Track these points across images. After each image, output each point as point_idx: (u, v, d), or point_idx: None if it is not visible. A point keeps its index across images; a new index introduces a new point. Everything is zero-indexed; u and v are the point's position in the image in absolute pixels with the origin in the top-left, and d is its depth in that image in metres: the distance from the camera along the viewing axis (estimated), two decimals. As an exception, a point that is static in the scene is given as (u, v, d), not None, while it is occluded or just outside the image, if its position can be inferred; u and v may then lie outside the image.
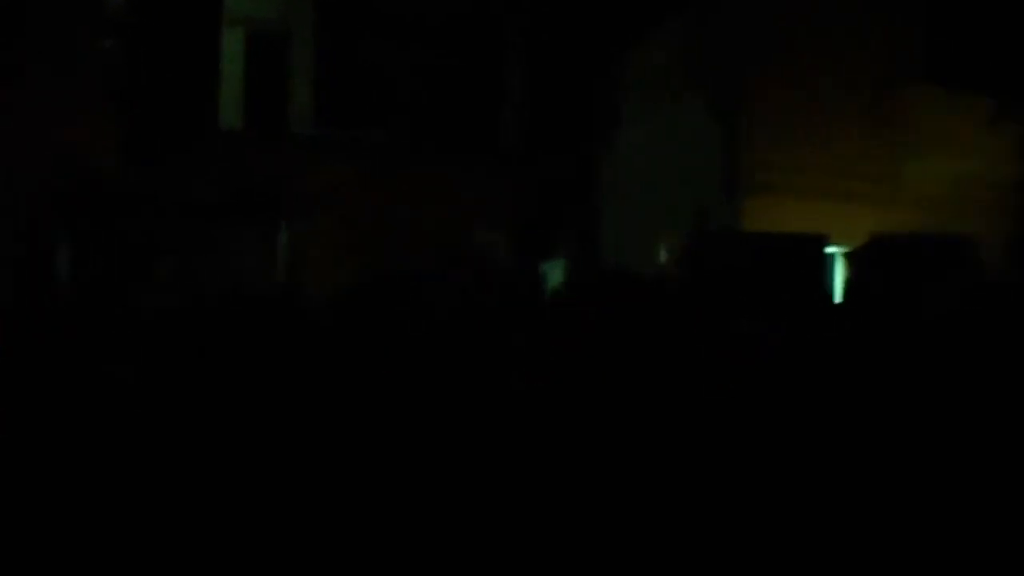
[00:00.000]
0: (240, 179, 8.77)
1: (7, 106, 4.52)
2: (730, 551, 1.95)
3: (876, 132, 7.88)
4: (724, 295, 2.94)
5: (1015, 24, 8.12)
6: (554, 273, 7.25)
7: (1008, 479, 1.81)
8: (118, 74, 7.47)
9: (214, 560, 2.18)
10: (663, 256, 7.13)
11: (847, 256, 3.88)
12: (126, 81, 7.79)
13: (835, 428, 2.25)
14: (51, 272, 4.74)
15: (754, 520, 2.03)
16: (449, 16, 10.62)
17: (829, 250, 8.70)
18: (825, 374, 2.54)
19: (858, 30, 8.02)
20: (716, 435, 2.18)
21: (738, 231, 7.07)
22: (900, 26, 8.14)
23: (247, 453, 2.60)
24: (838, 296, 4.05)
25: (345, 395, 2.72)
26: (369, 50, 10.56)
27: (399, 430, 2.40)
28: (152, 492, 2.32)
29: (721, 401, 2.37)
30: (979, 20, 8.14)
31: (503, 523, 2.12)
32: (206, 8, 9.99)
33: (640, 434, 2.14)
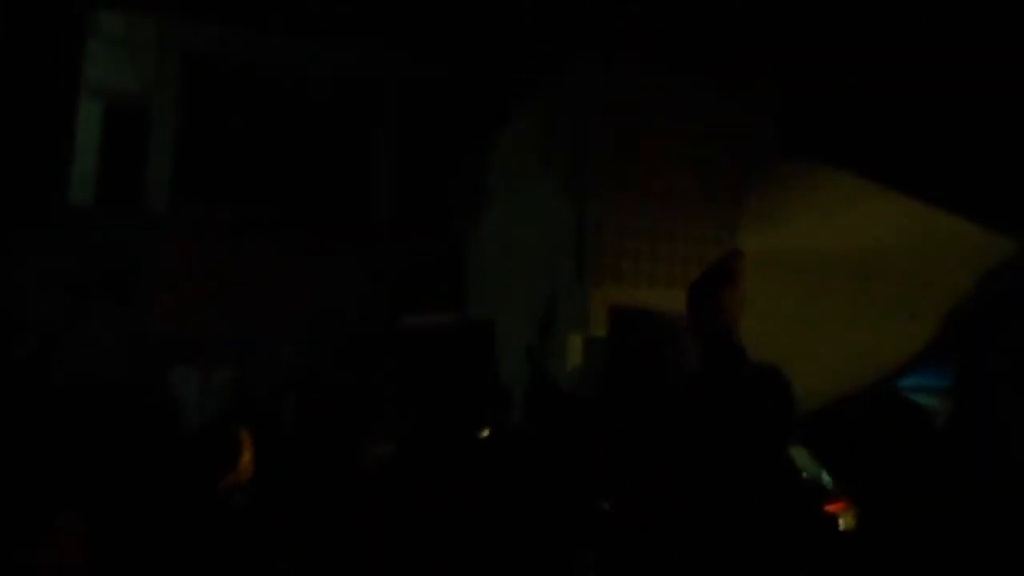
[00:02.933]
0: (94, 256, 8.34)
1: None
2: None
3: (734, 215, 8.09)
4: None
5: (872, 95, 8.60)
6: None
7: None
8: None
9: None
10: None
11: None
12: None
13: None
14: None
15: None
16: (318, 92, 10.52)
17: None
18: None
19: (712, 114, 8.26)
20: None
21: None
22: (755, 107, 8.46)
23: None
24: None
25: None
26: (235, 124, 10.33)
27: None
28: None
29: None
30: (835, 94, 8.57)
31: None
32: (60, 76, 9.59)
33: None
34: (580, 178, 8.26)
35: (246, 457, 2.77)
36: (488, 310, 9.54)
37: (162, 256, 8.60)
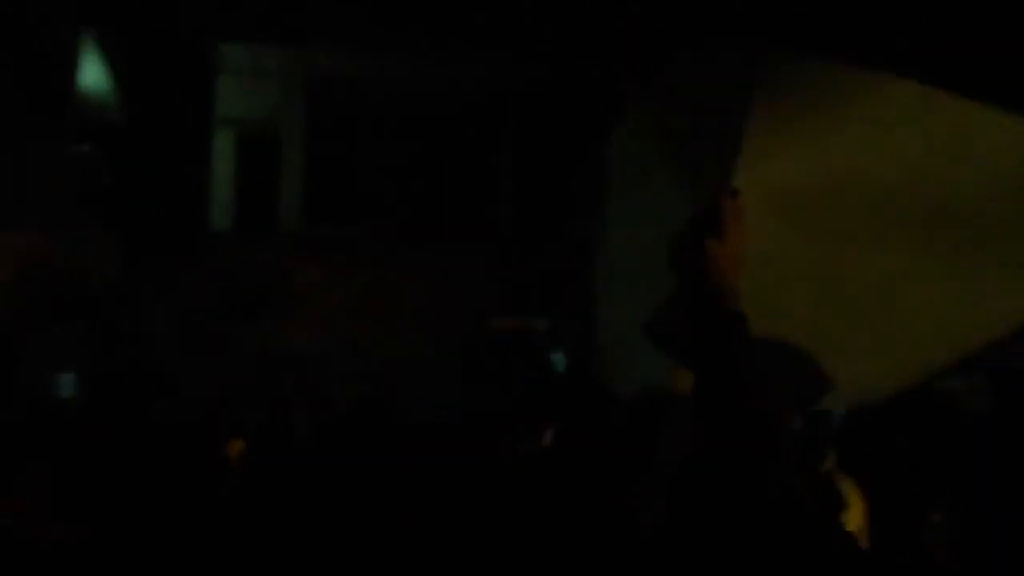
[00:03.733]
0: (233, 279, 8.69)
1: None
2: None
3: None
4: None
5: None
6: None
7: None
8: (100, 177, 7.47)
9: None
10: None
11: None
12: (111, 185, 7.78)
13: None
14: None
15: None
16: (438, 112, 10.69)
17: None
18: None
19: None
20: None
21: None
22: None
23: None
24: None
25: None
26: (359, 146, 10.61)
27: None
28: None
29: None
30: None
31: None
32: (196, 110, 10.06)
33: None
34: (698, 172, 8.03)
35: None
36: (616, 311, 9.42)
37: (296, 275, 8.89)
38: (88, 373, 5.16)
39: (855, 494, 2.16)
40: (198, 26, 9.59)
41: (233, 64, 10.54)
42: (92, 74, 6.90)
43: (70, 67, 6.23)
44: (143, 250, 8.12)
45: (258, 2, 9.73)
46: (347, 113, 10.61)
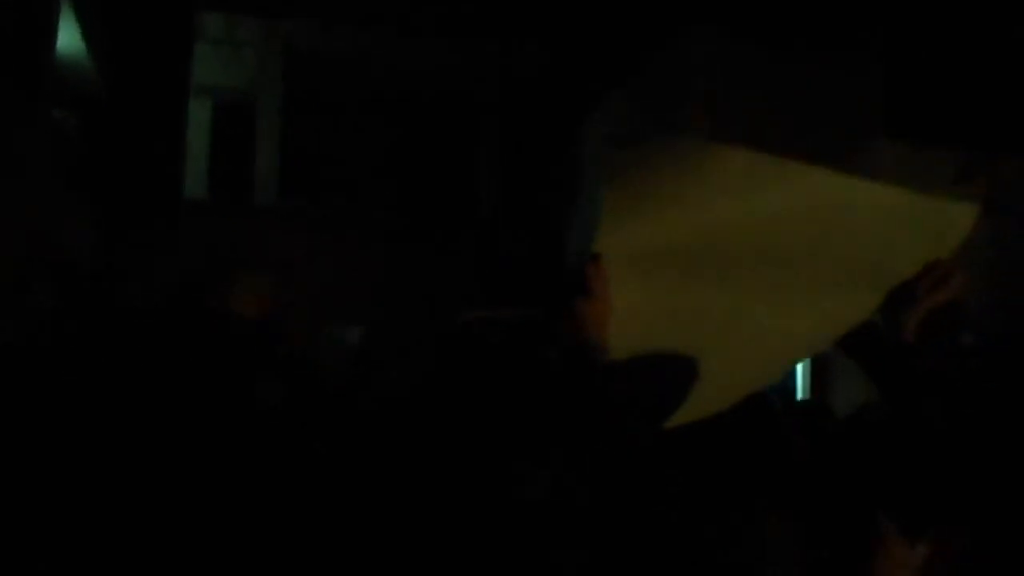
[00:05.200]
0: (207, 249, 8.68)
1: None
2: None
3: None
4: None
5: (987, 73, 8.15)
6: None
7: None
8: (76, 145, 7.43)
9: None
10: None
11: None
12: (87, 152, 7.73)
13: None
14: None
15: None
16: (419, 85, 10.68)
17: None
18: None
19: (814, 90, 8.02)
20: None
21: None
22: (857, 82, 8.17)
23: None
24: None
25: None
26: (338, 119, 10.59)
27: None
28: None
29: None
30: (944, 69, 8.15)
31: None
32: (173, 78, 9.99)
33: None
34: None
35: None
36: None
37: (271, 248, 8.90)
38: (59, 337, 5.18)
39: None
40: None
41: (211, 33, 10.46)
42: (69, 41, 6.84)
43: (47, 34, 6.18)
44: (118, 217, 8.10)
45: (238, -29, 9.69)
46: (326, 86, 10.59)
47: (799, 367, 8.40)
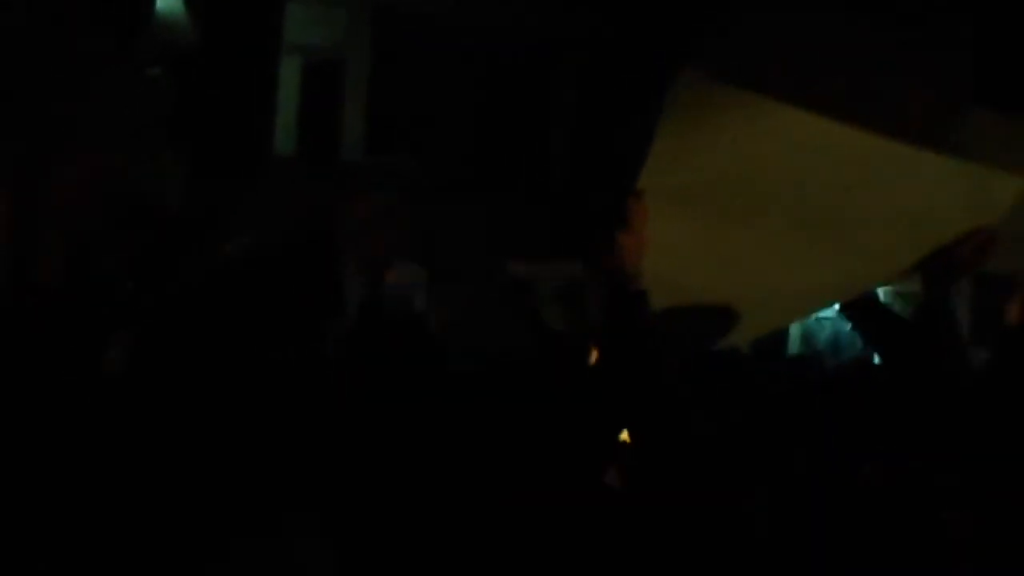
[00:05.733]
0: (294, 206, 8.92)
1: (62, 135, 4.70)
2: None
3: None
4: None
5: None
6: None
7: None
8: (169, 102, 7.69)
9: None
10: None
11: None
12: (181, 110, 8.00)
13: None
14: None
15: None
16: (503, 52, 10.72)
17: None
18: None
19: (898, 57, 7.76)
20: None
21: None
22: (947, 48, 7.88)
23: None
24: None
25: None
26: (424, 78, 10.71)
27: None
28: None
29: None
30: None
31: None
32: (265, 37, 10.24)
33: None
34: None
35: None
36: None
37: (353, 207, 9.08)
38: (152, 288, 5.42)
39: None
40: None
41: (301, -9, 10.67)
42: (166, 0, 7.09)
43: (146, -8, 6.43)
44: (209, 172, 8.38)
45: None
46: (412, 46, 10.70)
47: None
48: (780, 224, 1.51)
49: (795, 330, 7.86)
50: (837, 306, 8.79)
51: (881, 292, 8.62)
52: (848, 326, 8.97)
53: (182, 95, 8.23)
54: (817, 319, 8.16)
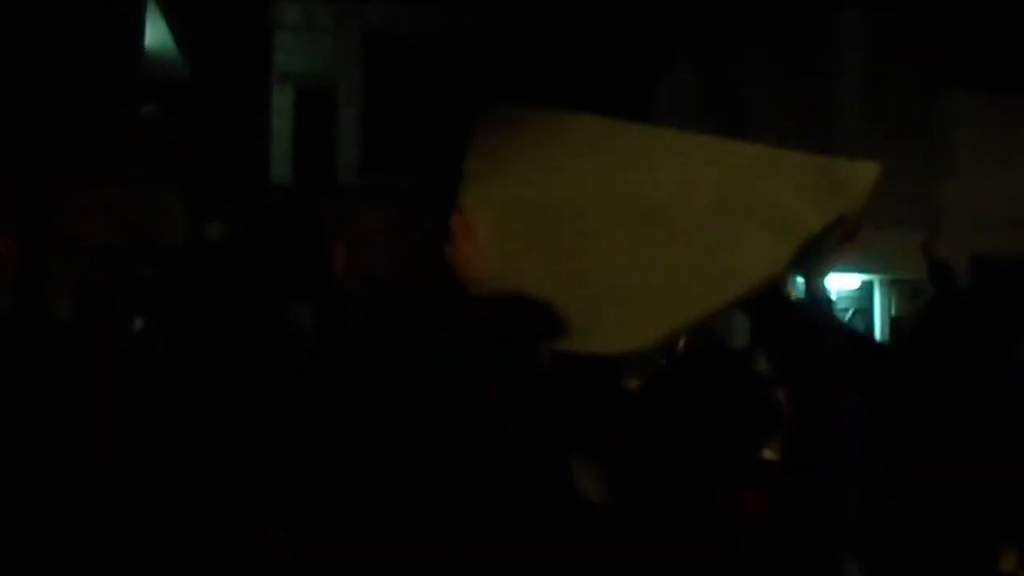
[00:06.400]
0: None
1: (63, 174, 4.84)
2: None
3: (908, 148, 7.40)
4: None
5: None
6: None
7: None
8: (166, 136, 7.83)
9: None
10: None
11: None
12: (177, 143, 8.15)
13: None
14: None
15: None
16: (493, 61, 10.83)
17: (863, 278, 8.45)
18: None
19: (883, 39, 7.76)
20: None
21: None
22: (929, 31, 7.97)
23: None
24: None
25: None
26: (413, 101, 10.82)
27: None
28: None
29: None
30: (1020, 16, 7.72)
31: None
32: (255, 67, 10.41)
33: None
34: (738, 122, 8.13)
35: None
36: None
37: (350, 226, 9.20)
38: (159, 318, 5.54)
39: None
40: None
41: (290, 20, 10.83)
42: (156, 36, 7.23)
43: (136, 31, 6.57)
44: (207, 202, 8.52)
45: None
46: (402, 66, 10.83)
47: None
48: (631, 234, 1.56)
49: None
50: (834, 297, 8.71)
51: (876, 281, 8.63)
52: (847, 316, 9.02)
53: (177, 129, 8.39)
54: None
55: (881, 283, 8.66)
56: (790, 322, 1.61)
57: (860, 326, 8.13)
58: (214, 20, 9.20)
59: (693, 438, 1.42)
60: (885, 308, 8.67)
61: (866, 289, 8.74)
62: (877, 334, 8.21)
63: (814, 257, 1.57)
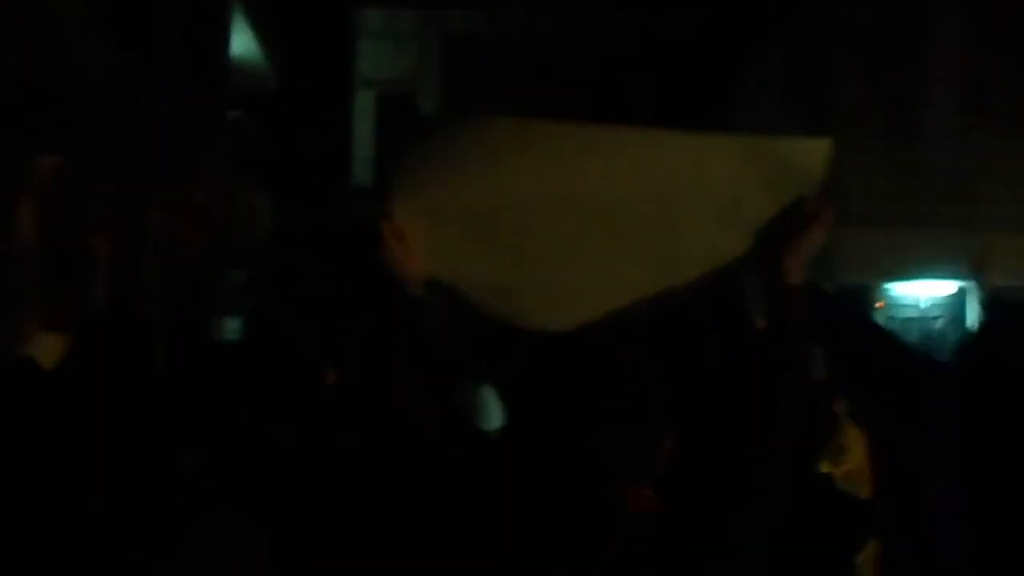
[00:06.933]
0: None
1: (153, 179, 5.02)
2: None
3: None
4: None
5: None
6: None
7: None
8: (253, 141, 8.05)
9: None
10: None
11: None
12: (263, 148, 8.36)
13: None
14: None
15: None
16: (571, 61, 10.85)
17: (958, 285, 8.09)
18: None
19: (974, 33, 7.53)
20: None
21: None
22: (1005, 25, 7.71)
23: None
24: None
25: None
26: (492, 104, 10.90)
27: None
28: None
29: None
30: None
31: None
32: (339, 74, 10.64)
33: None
34: (823, 114, 7.95)
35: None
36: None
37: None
38: (250, 318, 5.71)
39: (856, 436, 2.38)
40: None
41: (372, 27, 11.04)
42: (244, 45, 7.44)
43: (223, 40, 6.77)
44: (292, 205, 8.71)
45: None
46: (481, 70, 10.92)
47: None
48: (566, 228, 1.60)
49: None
50: (923, 305, 8.39)
51: (969, 288, 8.25)
52: (936, 325, 8.68)
53: (264, 134, 8.62)
54: (904, 320, 7.89)
55: (972, 290, 8.39)
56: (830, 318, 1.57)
57: (949, 335, 7.86)
58: (299, 29, 9.42)
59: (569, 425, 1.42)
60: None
61: (959, 296, 8.43)
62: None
63: (780, 242, 1.50)
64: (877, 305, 7.81)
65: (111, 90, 4.47)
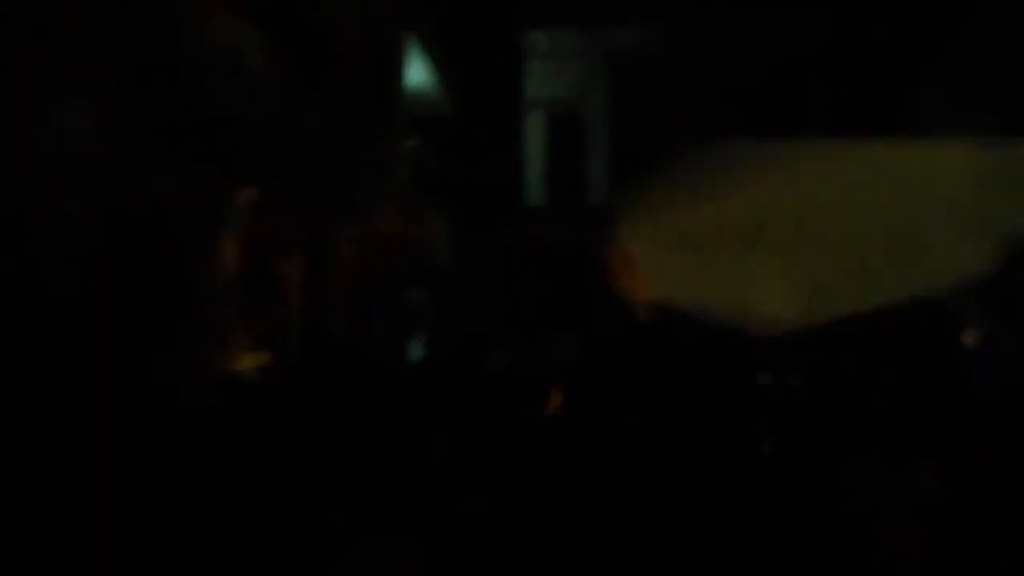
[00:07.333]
0: (546, 253, 9.31)
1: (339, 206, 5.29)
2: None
3: None
4: None
5: None
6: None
7: None
8: (430, 166, 8.32)
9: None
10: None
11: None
12: (440, 171, 8.63)
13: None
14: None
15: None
16: (736, 75, 10.67)
17: None
18: None
19: None
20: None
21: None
22: None
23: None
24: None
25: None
26: (658, 121, 10.84)
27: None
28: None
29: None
30: None
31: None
32: (510, 97, 10.86)
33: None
34: (1017, 123, 7.46)
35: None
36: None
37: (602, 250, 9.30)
38: (431, 336, 5.91)
39: None
40: (507, 17, 10.32)
41: (540, 48, 11.22)
42: (420, 73, 7.72)
43: (397, 71, 7.05)
44: (468, 226, 8.95)
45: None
46: (647, 87, 10.89)
47: None
48: (804, 243, 1.61)
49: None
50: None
51: None
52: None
53: (440, 158, 8.90)
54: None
55: None
56: None
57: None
58: (472, 54, 9.68)
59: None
60: None
61: None
62: None
63: None
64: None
65: (297, 124, 4.75)
